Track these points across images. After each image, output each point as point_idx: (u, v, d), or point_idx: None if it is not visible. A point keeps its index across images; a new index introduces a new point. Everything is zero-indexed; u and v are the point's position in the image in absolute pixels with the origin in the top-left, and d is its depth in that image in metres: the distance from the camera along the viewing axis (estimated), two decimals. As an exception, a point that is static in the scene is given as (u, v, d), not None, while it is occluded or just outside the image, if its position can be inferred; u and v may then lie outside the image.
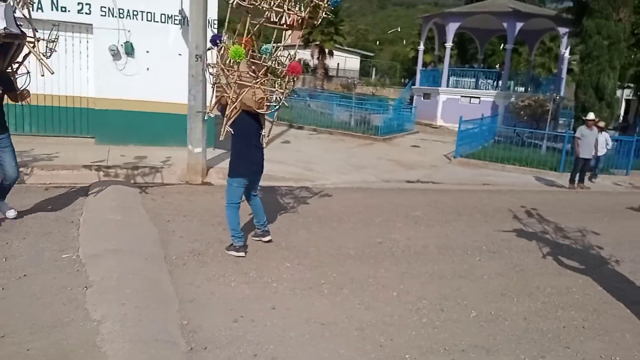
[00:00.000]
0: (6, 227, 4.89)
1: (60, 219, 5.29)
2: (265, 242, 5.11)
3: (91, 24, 8.99)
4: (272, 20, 4.52)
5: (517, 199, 8.62)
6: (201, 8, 7.54)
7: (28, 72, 5.06)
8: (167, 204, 6.24)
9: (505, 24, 21.23)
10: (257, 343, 3.31)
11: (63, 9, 8.74)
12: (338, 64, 40.15)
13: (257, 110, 4.50)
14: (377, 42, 55.84)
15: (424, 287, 4.45)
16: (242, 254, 4.72)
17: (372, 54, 49.28)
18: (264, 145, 4.77)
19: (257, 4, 4.39)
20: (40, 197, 5.98)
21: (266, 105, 4.52)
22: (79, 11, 8.85)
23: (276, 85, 4.59)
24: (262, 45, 4.74)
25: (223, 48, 4.51)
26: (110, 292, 3.72)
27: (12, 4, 4.65)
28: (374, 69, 46.37)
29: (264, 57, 4.61)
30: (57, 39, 5.21)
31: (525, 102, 19.03)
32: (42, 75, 4.90)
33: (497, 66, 28.87)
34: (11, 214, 5.12)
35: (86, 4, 8.85)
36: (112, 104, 9.24)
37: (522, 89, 23.92)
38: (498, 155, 12.70)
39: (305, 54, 33.49)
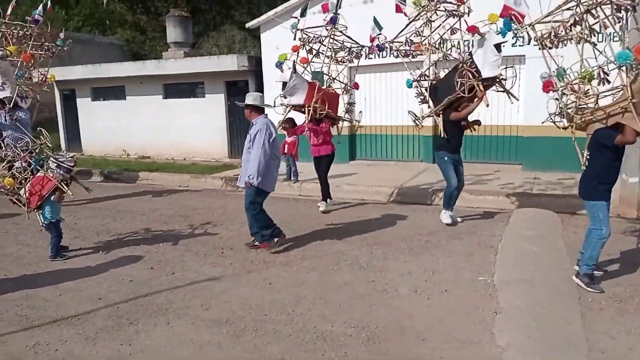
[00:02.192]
0: (437, 245, 5.73)
1: (481, 242, 5.77)
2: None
3: (524, 55, 9.35)
4: None
5: None
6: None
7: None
8: (590, 239, 5.77)
9: None
10: None
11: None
12: None
13: None
14: None
15: None
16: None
17: None
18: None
19: None
20: (467, 219, 6.68)
21: None
22: (513, 45, 9.35)
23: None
24: None
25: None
26: (517, 322, 3.81)
27: None
28: None
29: None
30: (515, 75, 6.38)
31: None
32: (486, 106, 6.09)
33: None
34: (447, 219, 6.44)
35: (519, 37, 9.27)
36: (540, 131, 9.26)
37: None
38: None
39: None
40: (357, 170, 10.34)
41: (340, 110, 7.59)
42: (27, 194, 5.33)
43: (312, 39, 7.16)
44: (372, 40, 7.14)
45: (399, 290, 4.45)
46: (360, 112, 7.92)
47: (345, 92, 7.59)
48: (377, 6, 10.35)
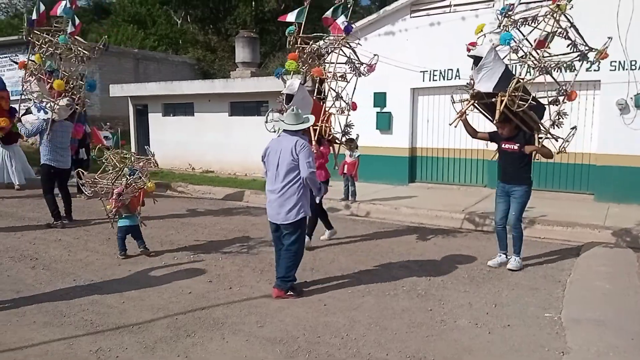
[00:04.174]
0: (499, 276, 5.48)
1: (548, 276, 5.46)
2: None
3: (599, 80, 8.92)
4: None
5: None
6: None
7: (574, 128, 5.75)
8: (672, 279, 5.33)
9: None
10: None
11: (571, 69, 9.06)
12: None
13: None
14: None
15: None
16: None
17: None
18: None
19: None
20: (533, 251, 6.35)
21: None
22: (587, 69, 8.91)
23: None
24: None
25: None
26: (587, 366, 3.55)
27: None
28: None
29: None
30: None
31: None
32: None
33: None
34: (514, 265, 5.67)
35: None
36: (615, 160, 8.77)
37: None
38: None
39: None
40: (417, 193, 10.16)
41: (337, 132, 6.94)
42: (133, 199, 6.22)
43: (315, 50, 6.71)
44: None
45: (458, 322, 4.28)
46: (357, 135, 7.02)
47: (341, 112, 6.78)
48: (443, 28, 10.28)
